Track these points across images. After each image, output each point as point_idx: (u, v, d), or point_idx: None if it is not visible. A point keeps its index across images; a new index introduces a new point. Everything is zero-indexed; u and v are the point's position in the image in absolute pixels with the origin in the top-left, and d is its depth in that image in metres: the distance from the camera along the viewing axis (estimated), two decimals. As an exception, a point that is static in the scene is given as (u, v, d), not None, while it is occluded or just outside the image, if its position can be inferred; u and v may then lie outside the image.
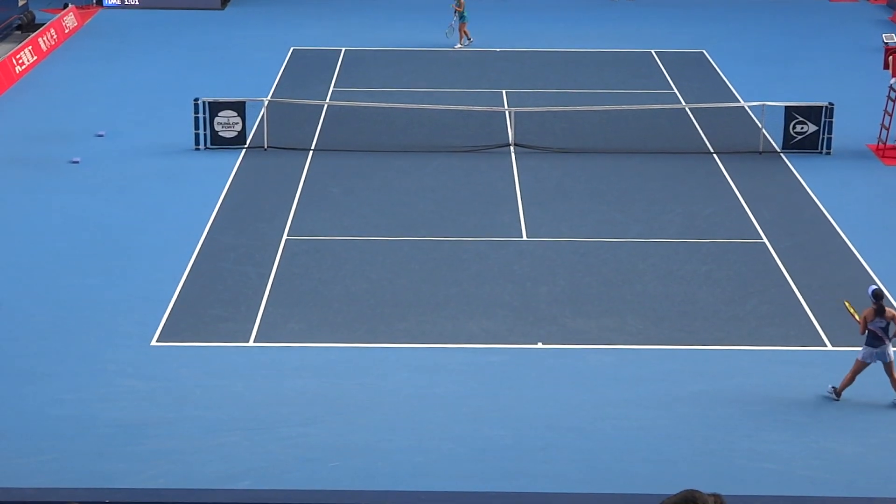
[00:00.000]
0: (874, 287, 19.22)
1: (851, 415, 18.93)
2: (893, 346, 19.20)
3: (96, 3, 46.47)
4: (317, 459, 17.58)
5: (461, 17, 40.53)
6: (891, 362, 18.96)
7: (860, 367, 19.00)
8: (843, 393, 19.13)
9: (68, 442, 17.95)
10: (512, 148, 30.64)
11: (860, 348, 19.11)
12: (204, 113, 30.45)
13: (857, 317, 19.13)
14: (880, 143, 30.84)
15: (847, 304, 19.73)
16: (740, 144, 31.02)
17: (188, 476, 17.02)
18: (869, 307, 18.89)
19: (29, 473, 17.01)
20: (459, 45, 40.57)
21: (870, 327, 18.81)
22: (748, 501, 7.79)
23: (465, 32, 40.70)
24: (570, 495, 7.89)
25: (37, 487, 11.64)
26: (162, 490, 7.92)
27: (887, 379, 19.07)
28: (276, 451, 17.77)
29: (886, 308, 18.84)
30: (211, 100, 30.65)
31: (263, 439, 18.07)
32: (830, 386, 19.28)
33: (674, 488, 6.80)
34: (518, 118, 31.66)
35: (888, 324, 18.79)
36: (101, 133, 31.56)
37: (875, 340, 18.84)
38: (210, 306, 22.36)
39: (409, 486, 16.63)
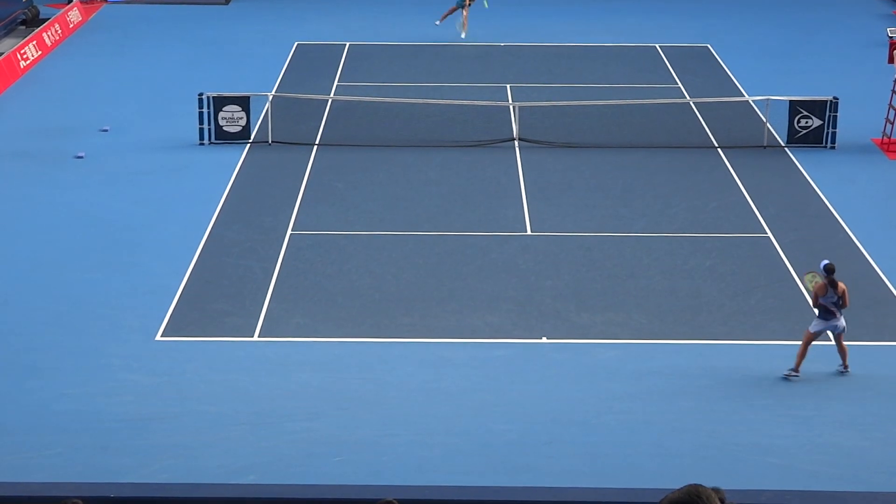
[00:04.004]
0: (826, 261, 19.61)
1: (856, 409, 18.94)
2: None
3: (100, -2, 46.51)
4: (321, 454, 17.60)
5: (462, 3, 40.55)
6: (841, 333, 19.48)
7: (811, 338, 19.46)
8: (800, 367, 19.60)
9: (73, 436, 17.98)
10: (516, 142, 30.63)
11: (864, 343, 19.14)
12: (208, 108, 30.46)
13: (809, 286, 19.57)
14: (885, 138, 30.81)
15: (808, 278, 19.89)
16: (745, 139, 30.99)
17: (193, 470, 17.05)
18: (821, 282, 19.29)
19: (33, 468, 17.05)
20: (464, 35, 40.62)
21: (822, 302, 19.25)
22: (752, 496, 7.79)
23: (465, 20, 40.69)
24: (574, 489, 7.90)
25: (41, 482, 11.65)
26: (167, 485, 7.93)
27: (891, 374, 19.07)
28: (281, 446, 17.79)
29: (838, 282, 19.23)
30: (215, 95, 30.67)
31: (268, 434, 18.10)
32: (788, 368, 19.65)
33: (678, 482, 6.80)
34: (522, 113, 31.64)
35: (839, 298, 19.21)
36: (105, 128, 31.58)
37: (827, 314, 19.32)
38: (214, 301, 22.38)
39: (413, 480, 16.64)
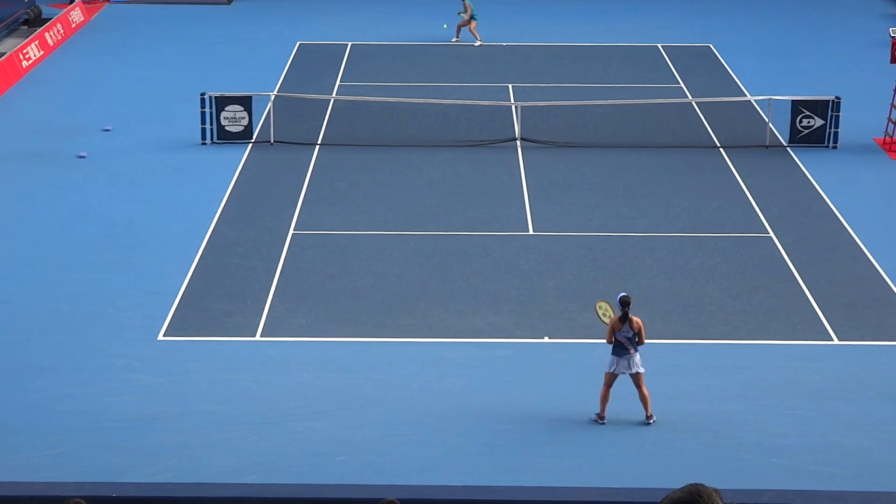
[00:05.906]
0: (622, 294, 18.31)
1: (858, 409, 18.93)
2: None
3: (103, -3, 46.53)
4: (324, 454, 17.61)
5: (472, 17, 40.59)
6: (638, 374, 18.09)
7: (610, 379, 18.17)
8: (605, 413, 18.25)
9: (75, 436, 18.00)
10: (518, 142, 30.63)
11: (866, 343, 19.10)
12: (210, 108, 30.47)
13: (605, 320, 18.13)
14: (887, 137, 30.80)
15: (599, 307, 18.33)
16: (747, 139, 30.99)
17: (195, 470, 17.06)
18: (615, 316, 18.01)
19: (36, 467, 17.06)
20: (479, 42, 40.18)
21: (617, 336, 17.97)
22: (755, 495, 7.78)
23: (473, 31, 40.64)
24: (576, 489, 7.91)
25: (44, 481, 11.66)
26: (169, 484, 7.94)
27: (893, 374, 19.05)
28: (284, 446, 17.80)
29: (632, 317, 17.97)
30: (217, 94, 30.67)
31: (270, 433, 18.10)
32: (594, 413, 18.36)
33: (680, 482, 6.80)
34: (524, 112, 31.64)
35: (634, 333, 17.96)
36: (107, 128, 31.60)
37: (620, 349, 17.97)
38: (217, 300, 22.39)
39: (415, 480, 16.65)
